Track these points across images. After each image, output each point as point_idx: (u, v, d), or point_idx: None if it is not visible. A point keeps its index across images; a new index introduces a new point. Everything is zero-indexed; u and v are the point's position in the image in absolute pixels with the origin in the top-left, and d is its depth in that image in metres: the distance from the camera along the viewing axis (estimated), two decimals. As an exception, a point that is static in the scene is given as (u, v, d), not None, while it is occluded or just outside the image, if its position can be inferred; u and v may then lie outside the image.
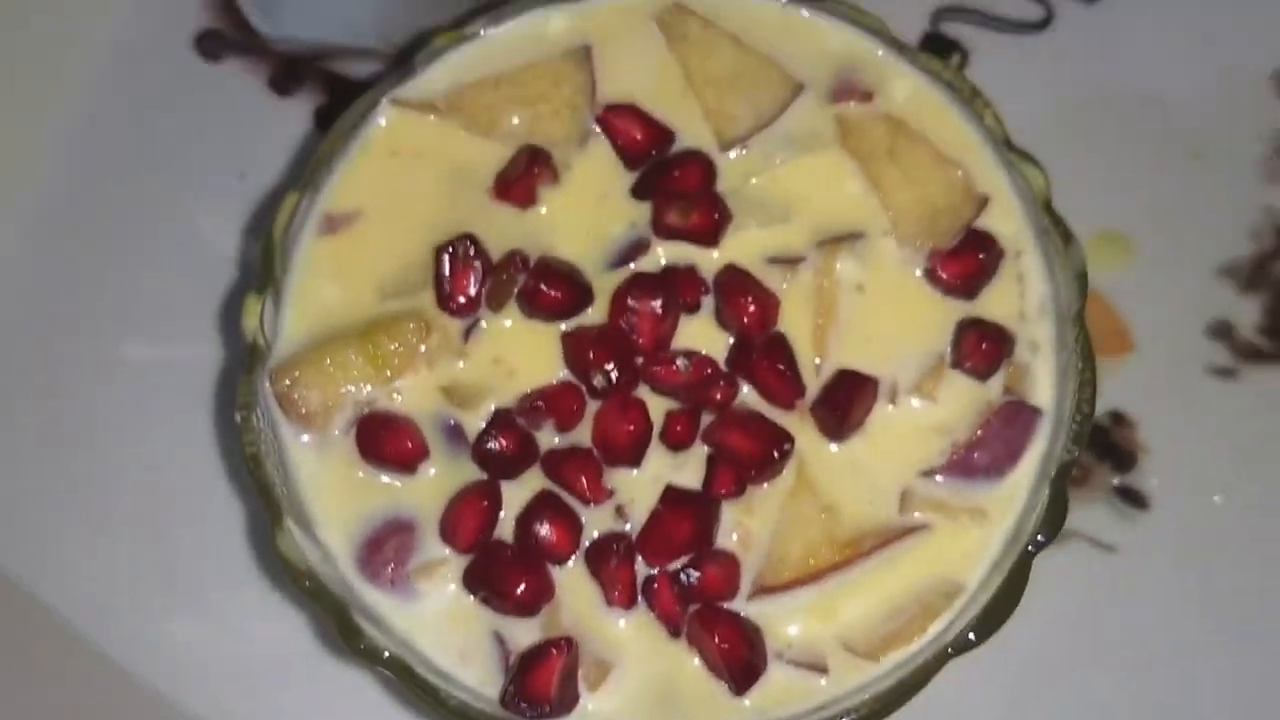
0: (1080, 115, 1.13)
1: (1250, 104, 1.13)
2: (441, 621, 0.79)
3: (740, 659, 0.76)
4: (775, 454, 0.79)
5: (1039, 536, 0.75)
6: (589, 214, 0.86)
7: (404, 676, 0.75)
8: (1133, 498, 1.02)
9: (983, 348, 0.80)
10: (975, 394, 0.81)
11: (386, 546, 0.81)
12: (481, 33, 0.90)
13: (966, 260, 0.83)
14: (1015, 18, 1.16)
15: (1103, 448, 1.04)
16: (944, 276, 0.83)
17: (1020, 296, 0.83)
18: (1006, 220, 0.84)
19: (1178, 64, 1.15)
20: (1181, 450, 1.03)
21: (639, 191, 0.86)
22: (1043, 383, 0.81)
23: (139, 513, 1.00)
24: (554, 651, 0.76)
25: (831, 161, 0.85)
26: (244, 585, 0.96)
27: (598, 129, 0.87)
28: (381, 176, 0.87)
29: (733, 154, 0.87)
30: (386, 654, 0.75)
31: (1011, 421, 0.80)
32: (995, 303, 0.83)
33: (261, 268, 0.84)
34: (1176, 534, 1.01)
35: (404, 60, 0.90)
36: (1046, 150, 0.88)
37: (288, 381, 0.81)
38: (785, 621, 0.78)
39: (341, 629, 0.76)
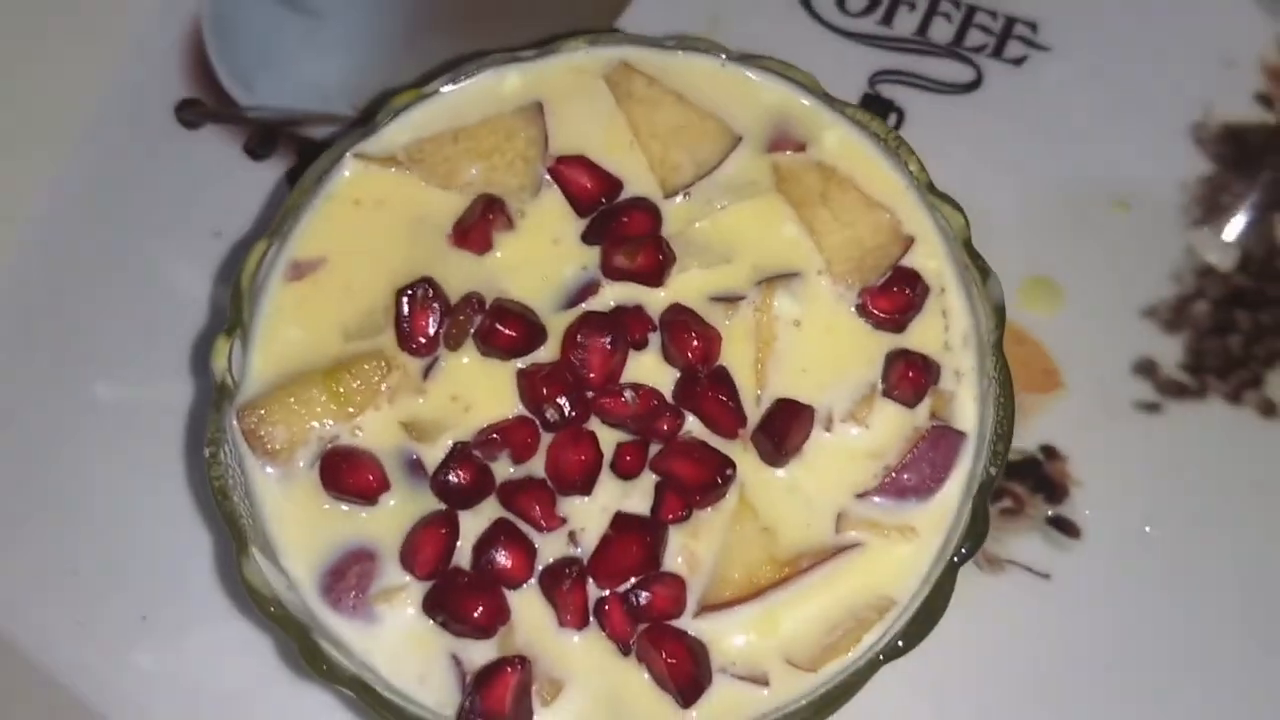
0: (1010, 170, 1.19)
1: (1170, 155, 1.20)
2: (401, 645, 0.83)
3: (687, 674, 0.80)
4: (719, 479, 0.83)
5: (962, 550, 0.80)
6: (542, 258, 0.91)
7: (366, 696, 0.78)
8: (1065, 527, 1.07)
9: (909, 376, 0.85)
10: (904, 420, 0.87)
11: (349, 574, 0.84)
12: (440, 91, 0.95)
13: (895, 296, 0.88)
14: (947, 79, 1.24)
15: (1036, 480, 1.09)
16: (874, 311, 0.88)
17: (945, 329, 0.89)
18: (931, 258, 0.90)
19: (1101, 119, 1.22)
20: (1111, 482, 1.08)
21: (589, 237, 0.91)
22: (966, 408, 0.86)
23: (108, 546, 1.04)
24: (508, 669, 0.80)
25: (769, 206, 0.91)
26: (212, 614, 1.00)
27: (550, 179, 0.93)
28: (345, 225, 0.92)
29: (677, 200, 0.92)
30: (348, 675, 0.79)
31: (937, 444, 0.85)
32: (921, 335, 0.89)
33: (230, 311, 0.88)
34: (1108, 562, 1.06)
35: (367, 118, 0.95)
36: (978, 202, 0.94)
37: (254, 418, 0.86)
38: (729, 637, 0.82)
39: (305, 652, 0.79)
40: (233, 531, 0.82)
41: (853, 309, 0.89)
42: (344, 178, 0.93)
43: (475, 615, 0.81)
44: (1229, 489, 1.08)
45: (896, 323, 0.88)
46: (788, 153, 0.92)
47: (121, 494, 1.05)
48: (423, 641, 0.83)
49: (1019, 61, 1.24)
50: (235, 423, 0.86)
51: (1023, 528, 1.07)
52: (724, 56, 0.95)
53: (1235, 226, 1.17)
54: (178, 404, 1.06)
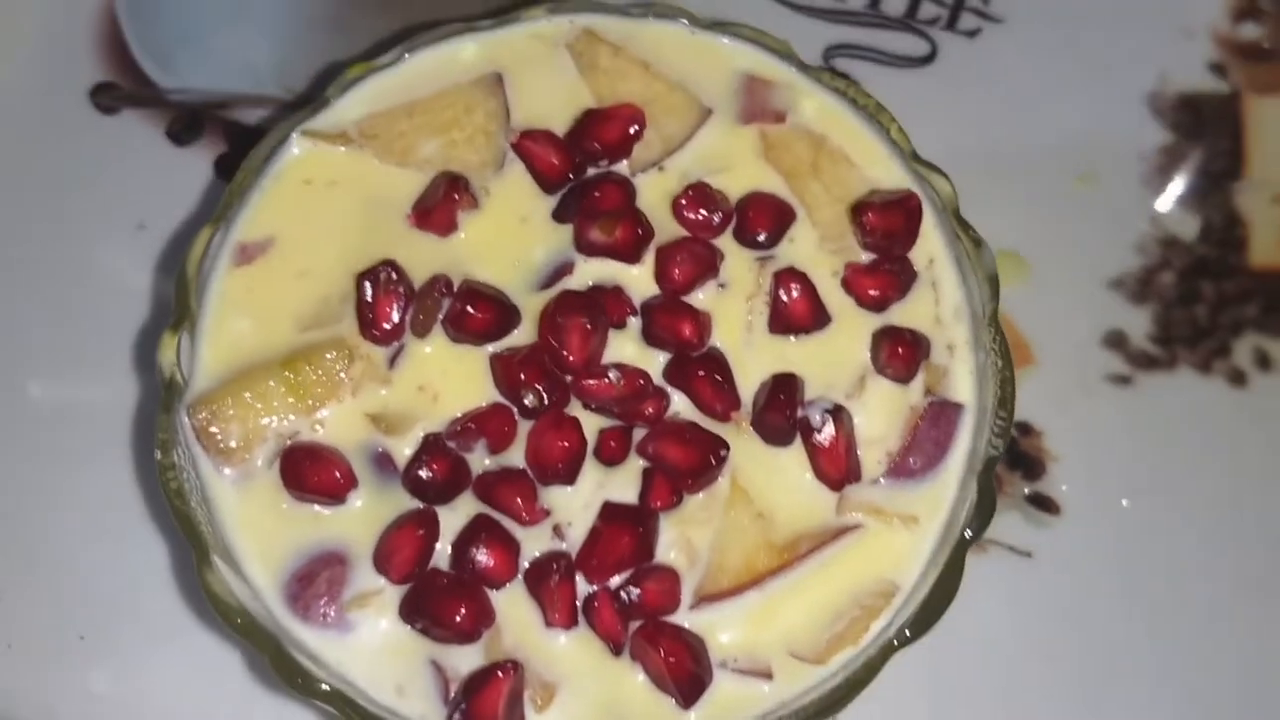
0: (970, 144, 1.17)
1: (1128, 125, 1.19)
2: (377, 654, 0.77)
3: (686, 672, 0.76)
4: (712, 460, 0.79)
5: (969, 530, 0.77)
6: (511, 238, 0.86)
7: (346, 710, 0.72)
8: (1044, 504, 1.05)
9: (899, 352, 0.82)
10: (898, 398, 0.83)
11: (318, 579, 0.78)
12: (393, 63, 0.89)
13: (881, 277, 0.85)
14: (901, 53, 1.21)
15: (1012, 457, 1.07)
16: (858, 291, 0.85)
17: (935, 303, 0.85)
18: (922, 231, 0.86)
19: (1057, 91, 1.20)
20: (1087, 456, 1.07)
21: (561, 214, 0.86)
22: (962, 381, 0.83)
23: (55, 560, 0.95)
24: (499, 675, 0.74)
25: (755, 177, 0.87)
26: (169, 631, 0.93)
27: (513, 154, 0.87)
28: (295, 205, 0.86)
29: (647, 175, 0.88)
30: (325, 689, 0.73)
31: (937, 421, 0.82)
32: (912, 310, 0.85)
33: (176, 303, 0.82)
34: (1088, 536, 1.04)
35: (312, 95, 0.89)
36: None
37: (206, 415, 0.79)
38: (728, 630, 0.78)
39: (277, 666, 0.73)
40: (191, 538, 0.75)
41: (841, 286, 0.85)
42: (292, 156, 0.87)
43: (458, 619, 0.76)
44: (1203, 458, 1.07)
45: (880, 304, 0.85)
46: (768, 124, 0.88)
47: (68, 506, 0.97)
48: (401, 649, 0.77)
49: (973, 34, 1.22)
50: (186, 421, 0.79)
51: (1002, 506, 1.05)
52: (689, 22, 0.91)
53: (1195, 196, 1.17)
54: (121, 404, 0.98)
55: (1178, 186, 1.17)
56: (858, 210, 0.84)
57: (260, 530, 0.79)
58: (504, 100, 0.89)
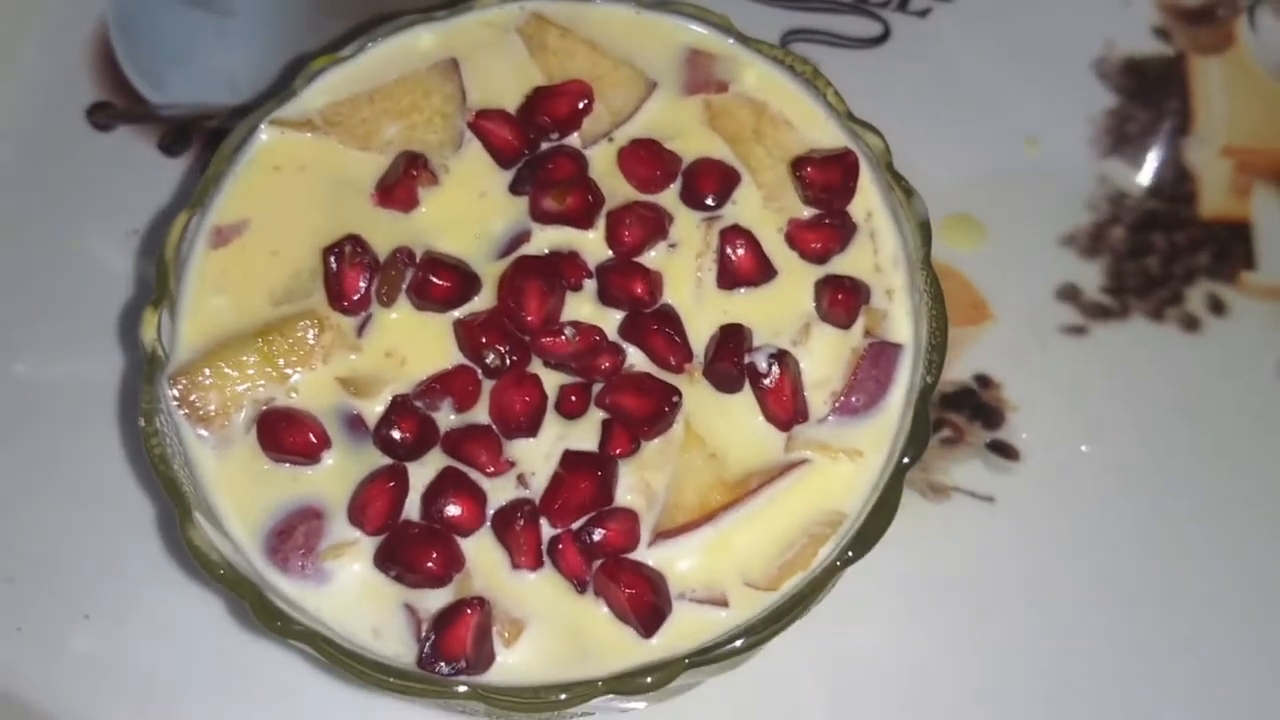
0: (925, 117, 1.22)
1: (1076, 91, 1.23)
2: (353, 600, 0.82)
3: (647, 603, 0.80)
4: (665, 408, 0.84)
5: (906, 457, 0.81)
6: (470, 212, 0.91)
7: (325, 648, 0.77)
8: (1004, 451, 1.09)
9: (839, 299, 0.86)
10: (840, 342, 0.87)
11: (296, 533, 0.83)
12: (355, 54, 0.95)
13: (822, 231, 0.89)
14: (855, 35, 1.26)
15: (973, 409, 1.10)
16: (801, 245, 0.89)
17: (874, 252, 0.90)
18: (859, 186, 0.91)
19: (1007, 63, 1.25)
20: (1045, 404, 1.11)
21: (516, 187, 0.91)
22: (900, 323, 0.87)
23: (55, 537, 1.01)
24: (467, 610, 0.79)
25: (702, 144, 0.91)
26: (156, 588, 0.97)
27: (470, 134, 0.93)
28: (265, 190, 0.91)
29: (597, 147, 0.93)
30: (304, 629, 0.77)
31: (877, 361, 0.86)
32: (853, 260, 0.90)
33: (156, 283, 0.87)
34: (1048, 481, 1.08)
35: (283, 84, 0.94)
36: (895, 147, 0.95)
37: (186, 384, 0.84)
38: (685, 562, 0.82)
39: (258, 611, 0.78)
40: (175, 498, 0.80)
41: (784, 241, 0.90)
42: (261, 144, 0.92)
43: (429, 565, 0.80)
44: (1158, 402, 1.10)
45: (822, 255, 0.89)
46: (711, 94, 0.93)
47: (59, 473, 1.03)
48: (375, 594, 0.82)
49: (924, 14, 1.27)
50: (168, 390, 0.84)
51: (963, 455, 1.09)
52: (635, 2, 0.96)
53: (1144, 154, 1.21)
54: (109, 380, 1.04)
55: (1126, 146, 1.21)
56: (797, 165, 0.89)
57: (239, 490, 0.84)
58: (460, 84, 0.94)
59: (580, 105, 0.92)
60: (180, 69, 1.25)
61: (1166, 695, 0.99)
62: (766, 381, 0.84)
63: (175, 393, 0.84)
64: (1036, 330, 1.14)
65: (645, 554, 0.82)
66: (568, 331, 0.85)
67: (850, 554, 0.78)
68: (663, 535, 0.82)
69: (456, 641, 0.78)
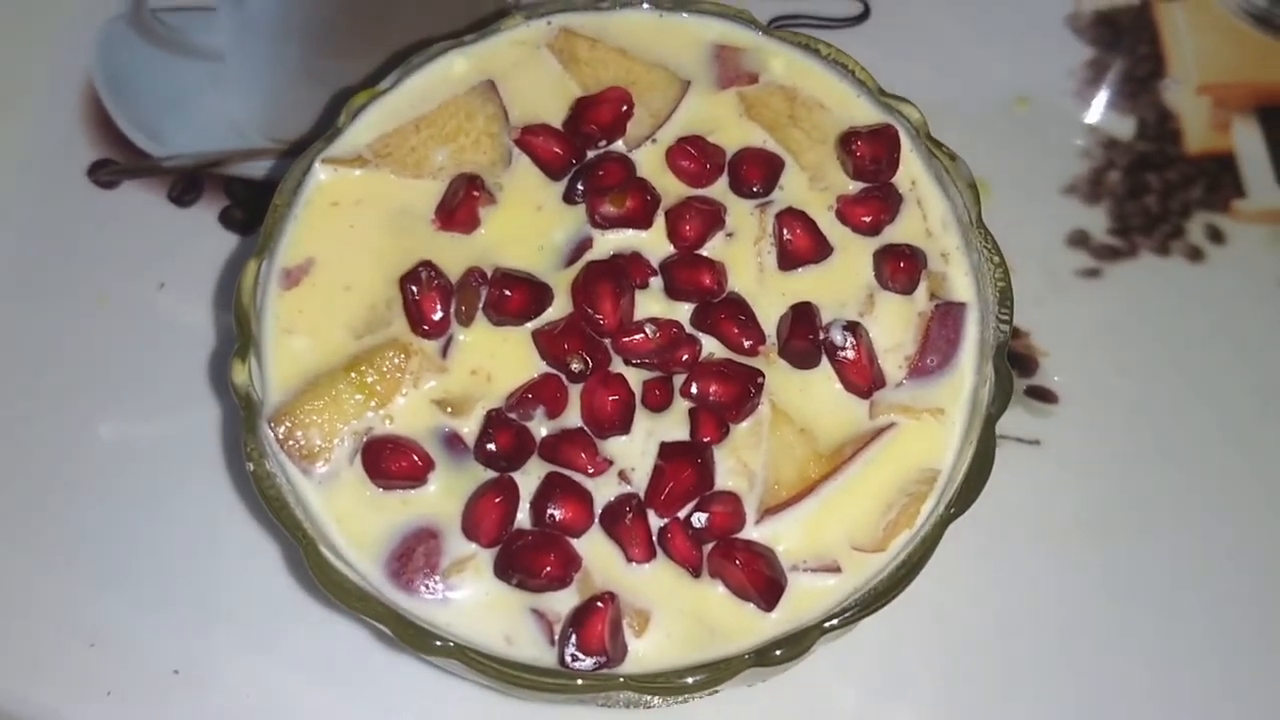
0: (914, 88, 1.26)
1: (1053, 48, 1.29)
2: (481, 612, 0.84)
3: (763, 579, 0.83)
4: (750, 389, 0.87)
5: (993, 408, 0.85)
6: (530, 225, 0.94)
7: (474, 659, 0.79)
8: (1042, 395, 1.14)
9: (901, 266, 0.91)
10: (906, 308, 0.92)
11: (416, 554, 0.85)
12: (393, 86, 0.97)
13: (872, 204, 0.93)
14: (837, 15, 1.31)
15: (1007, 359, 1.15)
16: (853, 220, 0.93)
17: (923, 218, 0.94)
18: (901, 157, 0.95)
19: (984, 28, 1.31)
20: (1072, 347, 1.16)
21: (570, 196, 0.94)
22: (960, 282, 0.92)
23: (175, 582, 1.02)
24: (599, 605, 0.82)
25: (743, 134, 0.95)
26: (292, 620, 0.99)
27: (518, 150, 0.95)
28: (327, 227, 0.93)
29: (642, 150, 0.96)
30: (450, 645, 0.80)
31: (945, 321, 0.91)
32: (904, 228, 0.94)
33: (238, 331, 0.88)
34: (1087, 418, 1.13)
35: (328, 124, 0.96)
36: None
37: (287, 425, 0.86)
38: (793, 536, 0.86)
39: (400, 633, 0.80)
40: (298, 536, 0.82)
41: (836, 218, 0.94)
42: (318, 184, 0.94)
43: (548, 569, 0.83)
44: (1176, 330, 1.17)
45: (874, 228, 0.93)
46: (744, 87, 0.96)
47: (172, 530, 1.04)
48: (501, 603, 0.84)
49: (902, -9, 1.32)
50: (269, 433, 0.85)
51: (1005, 404, 1.13)
52: (653, 6, 0.99)
53: (1127, 100, 1.27)
54: (204, 432, 1.05)
55: (1108, 94, 1.27)
56: (846, 141, 0.93)
57: (353, 521, 0.86)
58: (500, 103, 0.97)
59: (622, 110, 0.95)
60: (176, 119, 1.25)
61: (1223, 625, 1.05)
62: (845, 354, 0.88)
63: (279, 434, 0.85)
64: (1053, 277, 1.19)
65: (753, 532, 0.86)
66: (649, 329, 0.88)
67: (954, 510, 0.82)
68: (769, 512, 0.86)
69: (594, 638, 0.81)
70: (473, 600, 0.84)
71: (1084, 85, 1.27)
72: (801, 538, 0.86)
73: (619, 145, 0.95)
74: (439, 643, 0.79)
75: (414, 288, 0.89)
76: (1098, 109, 1.26)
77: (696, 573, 0.85)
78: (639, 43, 0.98)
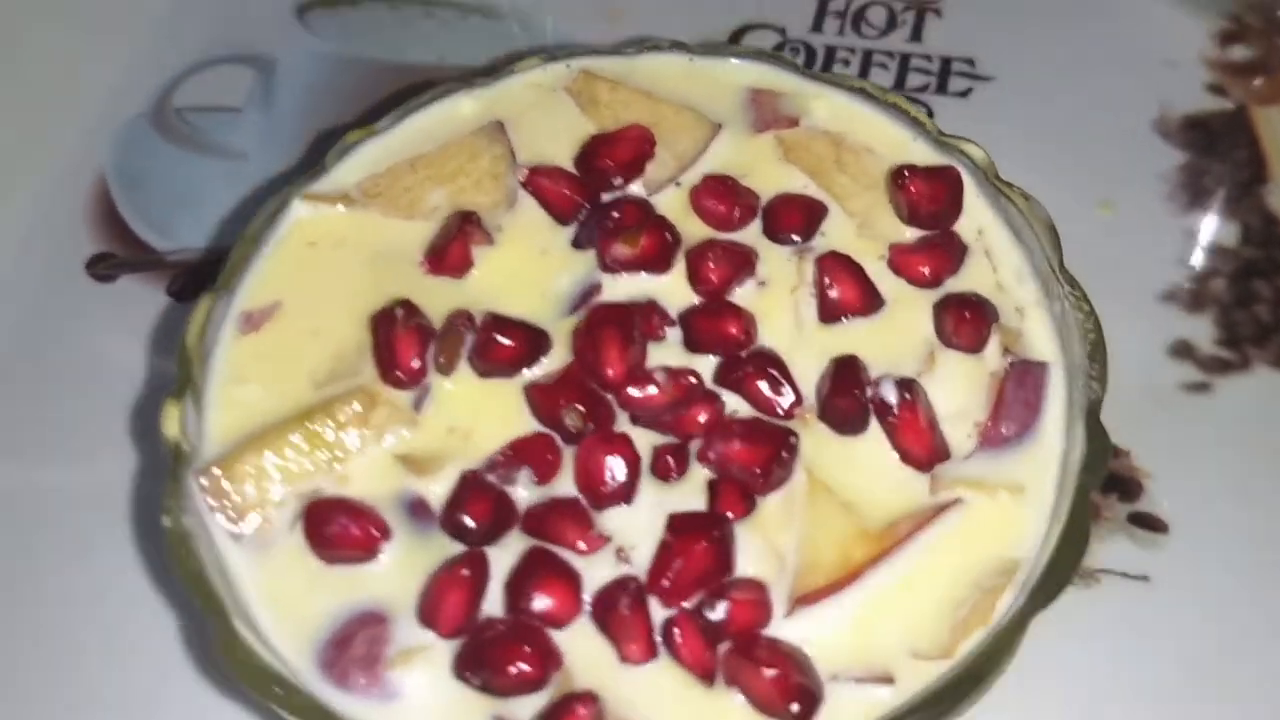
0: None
1: (1140, 151, 1.17)
2: (431, 716, 0.66)
3: (795, 687, 0.65)
4: (783, 453, 0.71)
5: (1086, 476, 0.68)
6: (532, 271, 0.81)
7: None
8: (1149, 523, 0.96)
9: (966, 317, 0.75)
10: (974, 368, 0.76)
11: (355, 641, 0.68)
12: (391, 126, 0.87)
13: (933, 254, 0.79)
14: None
15: (1106, 481, 0.98)
16: (909, 271, 0.79)
17: (993, 270, 0.79)
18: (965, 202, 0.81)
19: (1061, 132, 1.19)
20: (1182, 468, 0.98)
21: (580, 241, 0.81)
22: (1041, 339, 0.76)
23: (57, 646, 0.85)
24: (578, 708, 0.63)
25: (779, 180, 0.82)
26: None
27: (524, 191, 0.83)
28: (300, 268, 0.81)
29: (664, 194, 0.83)
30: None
31: (1022, 382, 0.74)
32: (968, 281, 0.79)
33: (179, 372, 0.75)
34: (1202, 549, 0.94)
35: (312, 161, 0.86)
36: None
37: (218, 477, 0.71)
38: (834, 636, 0.67)
39: (321, 730, 0.62)
40: (209, 606, 0.66)
41: (889, 268, 0.79)
42: (294, 221, 0.83)
43: (521, 667, 0.66)
44: (1300, 451, 0.98)
45: (934, 281, 0.79)
46: (783, 130, 0.84)
47: (68, 588, 0.87)
48: (457, 708, 0.66)
49: (965, 94, 1.22)
50: (197, 487, 0.71)
51: (1104, 532, 0.96)
52: (685, 51, 0.89)
53: (1226, 205, 1.13)
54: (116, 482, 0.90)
55: (1206, 198, 1.13)
56: (897, 177, 0.79)
57: (285, 598, 0.70)
58: (508, 144, 0.85)
59: (643, 148, 0.83)
60: (191, 215, 1.17)
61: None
62: (896, 414, 0.71)
63: (207, 488, 0.70)
64: (1154, 391, 1.02)
65: (782, 629, 0.68)
66: (659, 376, 0.73)
67: (1038, 600, 0.63)
68: (802, 602, 0.68)
69: (566, 747, 0.62)
70: (421, 702, 0.66)
71: (1177, 189, 1.14)
72: (843, 638, 0.67)
73: (637, 188, 0.83)
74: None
75: (384, 328, 0.75)
76: (1193, 214, 1.12)
77: (709, 679, 0.66)
78: (666, 87, 0.88)
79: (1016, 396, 0.73)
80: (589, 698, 0.64)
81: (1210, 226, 1.12)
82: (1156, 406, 1.02)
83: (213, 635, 0.65)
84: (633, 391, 0.73)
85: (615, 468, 0.71)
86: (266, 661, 0.65)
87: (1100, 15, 1.26)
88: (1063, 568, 0.65)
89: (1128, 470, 0.99)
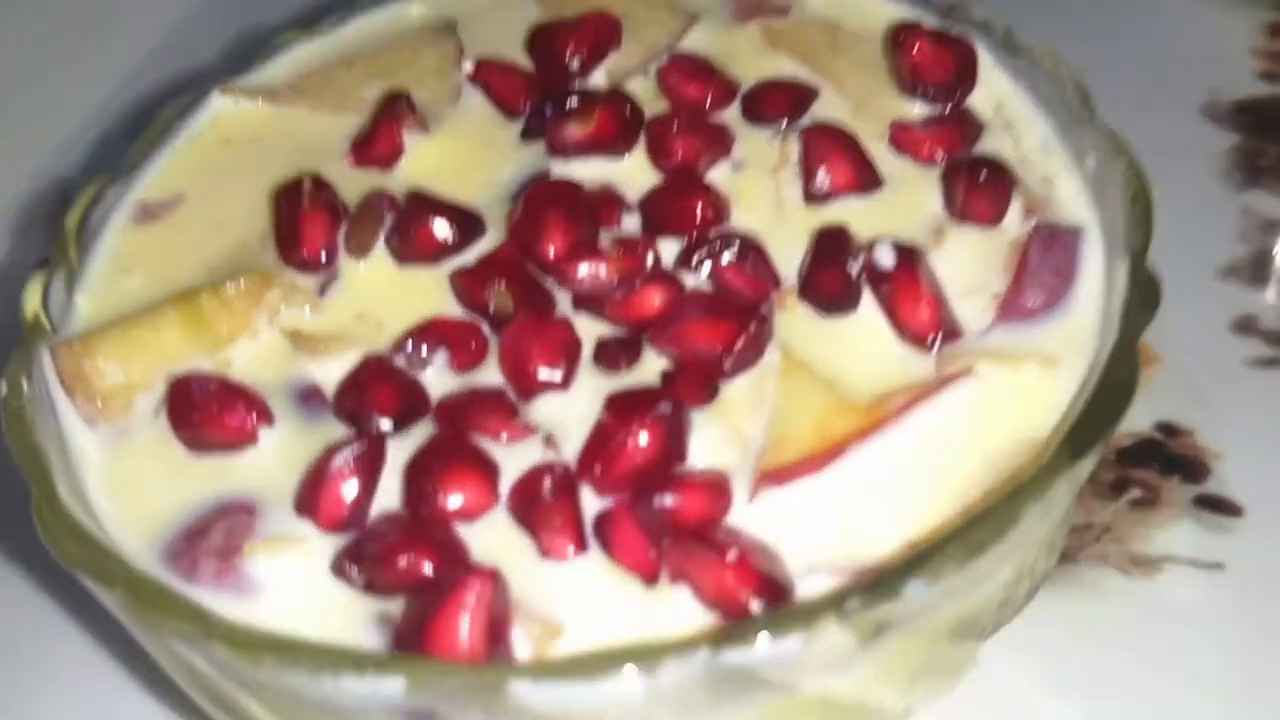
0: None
1: (1190, 135, 1.07)
2: (298, 615, 0.52)
3: (756, 578, 0.50)
4: (750, 326, 0.57)
5: (1135, 318, 0.53)
6: (471, 162, 0.70)
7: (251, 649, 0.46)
8: (1220, 506, 0.80)
9: (980, 184, 0.63)
10: (988, 241, 0.63)
11: (213, 531, 0.55)
12: (331, 29, 0.78)
13: (941, 131, 0.67)
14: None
15: (1164, 462, 0.84)
16: (915, 149, 0.67)
17: (1014, 145, 0.67)
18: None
19: (1111, 112, 1.08)
20: (1255, 446, 0.84)
21: (530, 133, 0.70)
22: (1072, 201, 0.63)
23: None
24: (473, 582, 0.49)
25: (764, 66, 0.72)
26: None
27: (472, 89, 0.74)
28: (210, 163, 0.72)
29: (632, 83, 0.73)
30: (220, 625, 0.48)
31: (1049, 248, 0.61)
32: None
33: (53, 248, 0.65)
34: (1280, 534, 0.78)
35: (237, 60, 0.77)
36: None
37: (76, 352, 0.59)
38: (809, 523, 0.53)
39: (137, 610, 0.48)
40: (32, 472, 0.53)
41: (887, 145, 0.67)
42: (211, 116, 0.73)
43: (413, 560, 0.51)
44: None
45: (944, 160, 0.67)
46: (768, 19, 0.74)
47: None
48: (333, 608, 0.52)
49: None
50: (49, 361, 0.59)
51: (1165, 518, 0.81)
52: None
53: (1280, 183, 1.01)
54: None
55: (1263, 177, 1.03)
56: (898, 38, 0.68)
57: (135, 489, 0.57)
58: (457, 42, 0.76)
59: (606, 33, 0.73)
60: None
61: None
62: (892, 281, 0.58)
63: (60, 366, 0.59)
64: (1218, 368, 0.89)
65: (745, 515, 0.53)
66: (606, 245, 0.61)
67: (1073, 451, 0.49)
68: (768, 480, 0.53)
69: (445, 634, 0.47)
70: (288, 599, 0.53)
71: (1231, 168, 1.03)
72: (822, 525, 0.52)
73: (598, 78, 0.72)
74: (200, 627, 0.47)
75: (288, 203, 0.64)
76: (1252, 191, 1.01)
77: (651, 579, 0.52)
78: (641, -21, 0.78)
79: (1044, 263, 0.60)
80: (488, 575, 0.50)
81: (1268, 203, 1.00)
82: (1220, 384, 0.88)
83: (33, 510, 0.52)
84: (576, 268, 0.60)
85: (549, 349, 0.58)
86: (85, 527, 0.51)
87: (1149, 10, 1.18)
88: (1099, 418, 0.50)
89: (1191, 450, 0.84)
